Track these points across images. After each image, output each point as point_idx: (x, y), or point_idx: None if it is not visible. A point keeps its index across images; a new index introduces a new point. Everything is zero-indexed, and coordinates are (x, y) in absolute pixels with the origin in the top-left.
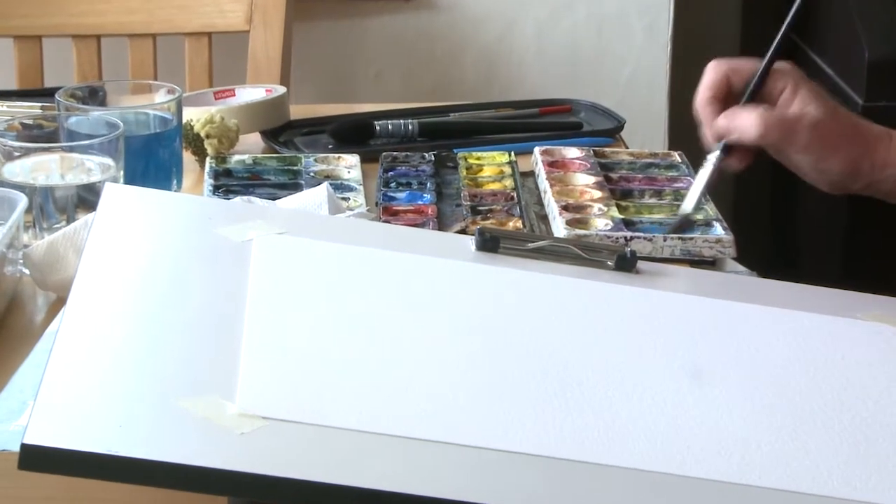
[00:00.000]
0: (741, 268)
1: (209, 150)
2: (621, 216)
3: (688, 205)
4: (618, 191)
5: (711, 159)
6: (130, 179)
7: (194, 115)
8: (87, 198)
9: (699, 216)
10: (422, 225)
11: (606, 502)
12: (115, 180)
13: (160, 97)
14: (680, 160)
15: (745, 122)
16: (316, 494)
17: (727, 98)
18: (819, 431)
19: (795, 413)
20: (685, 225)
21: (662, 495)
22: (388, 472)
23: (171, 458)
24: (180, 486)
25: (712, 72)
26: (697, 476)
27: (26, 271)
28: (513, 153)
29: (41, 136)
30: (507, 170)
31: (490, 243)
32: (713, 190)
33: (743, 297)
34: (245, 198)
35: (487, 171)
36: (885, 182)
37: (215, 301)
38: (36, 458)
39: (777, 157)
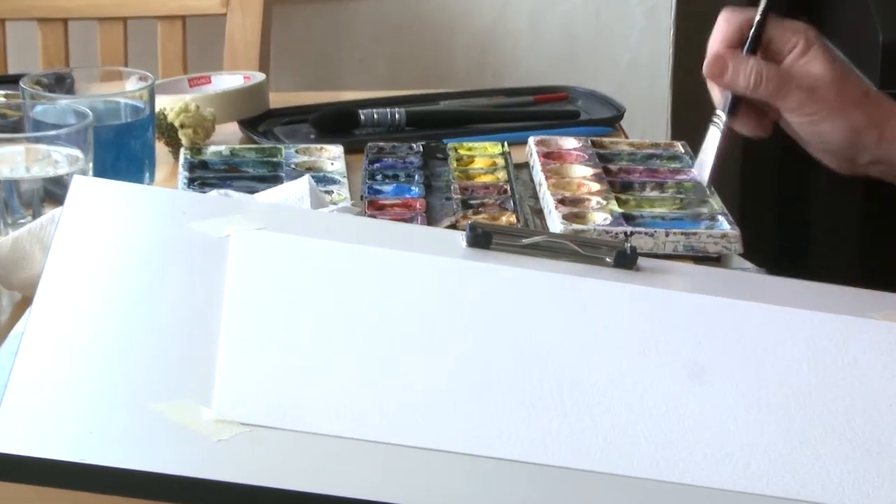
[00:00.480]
0: (748, 264)
1: (184, 141)
2: (621, 210)
3: (702, 173)
4: (617, 183)
5: (719, 120)
6: (100, 172)
7: (168, 104)
8: (53, 191)
9: (704, 209)
10: (409, 220)
11: None
12: (83, 173)
13: (131, 85)
14: (683, 151)
15: (739, 69)
16: None
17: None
18: (829, 436)
19: (804, 417)
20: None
21: None
22: (373, 480)
23: (144, 466)
24: (153, 495)
25: (725, 23)
26: (700, 484)
27: None
28: (506, 143)
29: (5, 126)
30: (500, 161)
31: (482, 239)
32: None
33: (749, 296)
34: (222, 191)
35: (479, 163)
36: None
37: (190, 300)
38: (1, 466)
39: (781, 123)
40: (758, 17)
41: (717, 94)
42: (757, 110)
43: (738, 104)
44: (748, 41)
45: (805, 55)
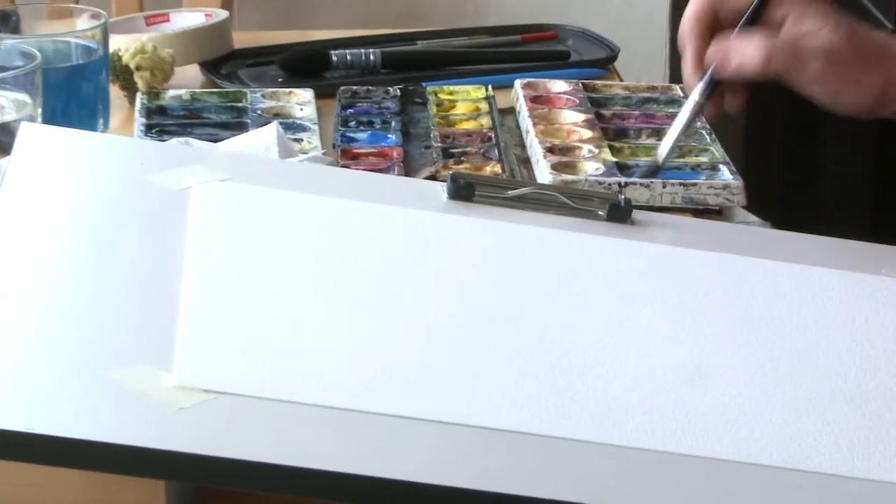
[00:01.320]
0: (752, 217)
1: (140, 85)
2: (614, 159)
3: (662, 150)
4: (611, 130)
5: (693, 97)
6: (50, 118)
7: (122, 44)
8: None
9: (704, 158)
10: (386, 170)
11: (595, 484)
12: (31, 119)
13: (83, 23)
14: (682, 94)
15: (745, 51)
16: (265, 477)
17: (714, 27)
18: (838, 403)
19: (811, 382)
20: (652, 173)
21: (659, 476)
22: (346, 451)
23: (101, 436)
24: (111, 468)
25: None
26: (698, 454)
27: None
28: (490, 87)
29: None
30: (484, 106)
31: (464, 191)
32: (688, 133)
33: (753, 251)
34: (182, 139)
35: (461, 108)
36: None
37: (149, 258)
38: None
39: (790, 85)
40: None
41: (689, 71)
42: (735, 85)
43: (718, 83)
44: (746, 16)
45: (802, 21)
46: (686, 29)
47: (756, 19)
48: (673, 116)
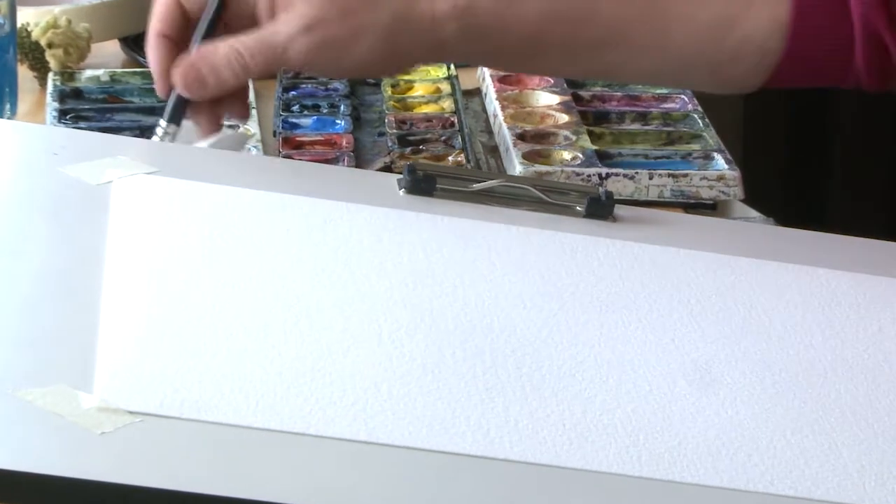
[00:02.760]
0: (751, 212)
1: (52, 64)
2: (594, 147)
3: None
4: (590, 114)
5: (163, 130)
6: None
7: (32, 18)
8: None
9: (696, 146)
10: (334, 161)
11: None
12: None
13: None
14: None
15: (217, 66)
16: None
17: (186, 31)
18: (848, 423)
19: (818, 400)
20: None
21: None
22: (292, 481)
23: (11, 464)
24: (23, 500)
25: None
26: (690, 482)
27: None
28: (452, 65)
29: None
30: (446, 87)
31: (423, 184)
32: None
33: (752, 251)
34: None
35: (419, 90)
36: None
37: (64, 262)
38: None
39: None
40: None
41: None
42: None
43: (184, 105)
44: (205, 27)
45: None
46: (149, 43)
47: (216, 23)
48: (660, 98)
